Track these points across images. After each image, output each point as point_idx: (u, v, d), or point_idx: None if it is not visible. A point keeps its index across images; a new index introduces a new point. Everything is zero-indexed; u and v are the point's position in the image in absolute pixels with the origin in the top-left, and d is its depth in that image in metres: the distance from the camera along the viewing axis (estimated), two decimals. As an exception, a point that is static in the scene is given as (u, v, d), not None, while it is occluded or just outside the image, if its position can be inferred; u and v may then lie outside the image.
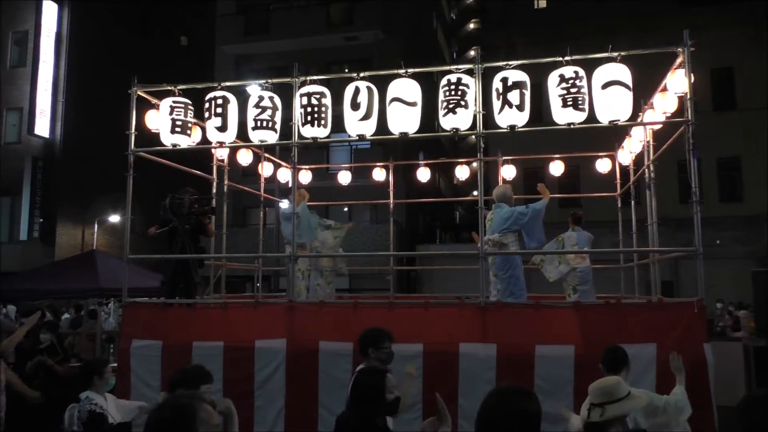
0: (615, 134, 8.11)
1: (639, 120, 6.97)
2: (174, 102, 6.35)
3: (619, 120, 5.41)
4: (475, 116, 5.66)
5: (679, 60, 5.60)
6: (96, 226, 23.46)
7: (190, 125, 6.46)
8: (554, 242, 8.20)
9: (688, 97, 5.51)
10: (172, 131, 6.32)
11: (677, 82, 5.74)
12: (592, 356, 4.43)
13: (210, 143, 6.49)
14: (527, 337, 5.27)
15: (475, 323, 5.44)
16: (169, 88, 6.40)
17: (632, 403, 3.24)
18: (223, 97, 6.20)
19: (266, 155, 9.00)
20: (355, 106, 5.82)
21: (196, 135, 6.93)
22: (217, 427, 2.07)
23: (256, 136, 6.17)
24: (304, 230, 7.51)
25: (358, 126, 5.84)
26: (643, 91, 6.61)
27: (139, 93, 6.65)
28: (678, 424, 4.10)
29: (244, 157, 8.26)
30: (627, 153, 8.18)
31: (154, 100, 6.70)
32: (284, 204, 9.32)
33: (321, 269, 8.84)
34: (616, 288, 8.58)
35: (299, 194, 7.68)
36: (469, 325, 5.46)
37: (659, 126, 6.88)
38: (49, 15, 23.61)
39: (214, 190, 8.14)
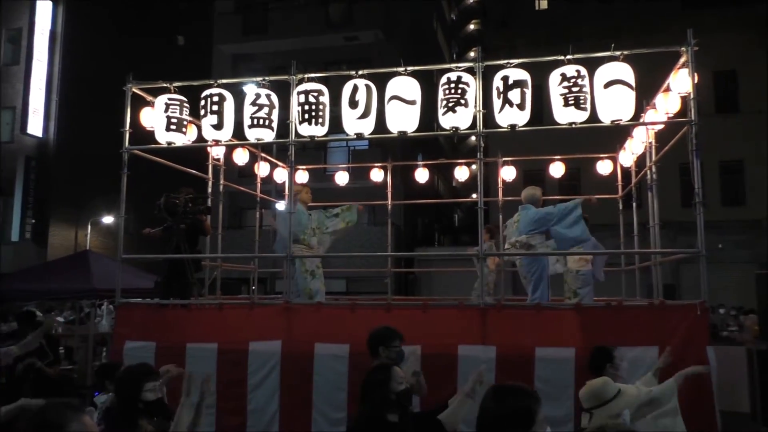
0: (616, 135, 8.03)
1: (641, 120, 6.89)
2: (169, 99, 6.25)
3: (621, 120, 5.32)
4: (475, 115, 5.56)
5: (682, 60, 5.52)
6: (90, 226, 23.28)
7: (185, 123, 6.36)
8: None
9: (692, 97, 5.44)
10: (167, 129, 6.21)
11: (680, 82, 5.66)
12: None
13: (206, 141, 6.40)
14: (527, 339, 5.19)
15: (475, 325, 5.34)
16: (165, 85, 6.30)
17: (622, 402, 3.11)
18: (219, 95, 6.10)
19: (263, 155, 8.90)
20: (353, 104, 5.73)
21: (191, 133, 6.84)
22: None
23: (252, 134, 6.06)
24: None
25: (356, 124, 5.75)
26: (645, 94, 6.52)
27: (134, 90, 6.54)
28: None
29: (241, 157, 8.18)
30: (628, 154, 8.10)
31: (149, 98, 6.60)
32: (281, 205, 9.22)
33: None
34: (616, 291, 8.47)
35: (305, 191, 7.64)
36: (468, 327, 5.36)
37: (661, 126, 6.81)
38: (44, 13, 23.52)
39: (210, 190, 8.03)
